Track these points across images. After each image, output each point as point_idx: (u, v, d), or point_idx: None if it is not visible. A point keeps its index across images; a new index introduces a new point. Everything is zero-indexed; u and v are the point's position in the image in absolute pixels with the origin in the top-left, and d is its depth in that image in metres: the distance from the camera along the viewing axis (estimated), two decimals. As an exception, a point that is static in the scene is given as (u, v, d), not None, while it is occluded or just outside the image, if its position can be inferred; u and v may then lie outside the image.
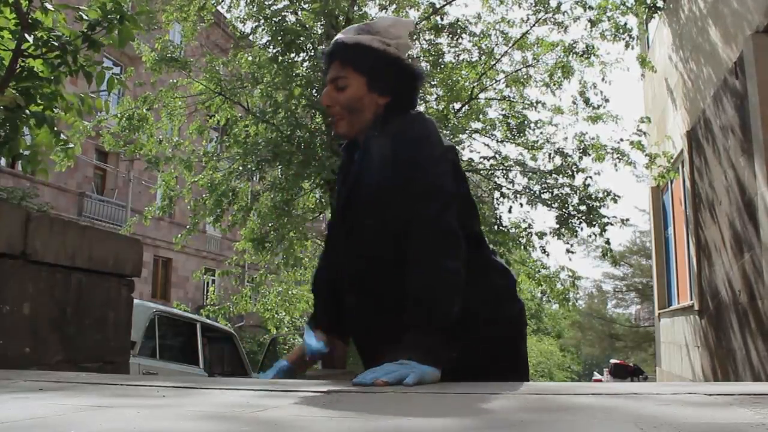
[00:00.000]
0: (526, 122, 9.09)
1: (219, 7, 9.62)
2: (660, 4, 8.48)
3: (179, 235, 9.73)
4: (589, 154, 8.76)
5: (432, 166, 1.50)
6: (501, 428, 0.82)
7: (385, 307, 1.49)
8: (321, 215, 10.49)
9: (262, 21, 8.62)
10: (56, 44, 2.81)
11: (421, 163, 1.51)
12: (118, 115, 8.90)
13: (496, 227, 8.78)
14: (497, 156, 9.20)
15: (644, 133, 8.91)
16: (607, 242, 8.79)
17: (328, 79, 1.68)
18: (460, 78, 9.01)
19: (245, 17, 9.08)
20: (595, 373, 25.39)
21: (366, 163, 1.60)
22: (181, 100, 9.12)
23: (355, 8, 8.73)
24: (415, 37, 9.06)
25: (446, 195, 1.47)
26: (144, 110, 8.85)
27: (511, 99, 9.43)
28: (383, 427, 0.83)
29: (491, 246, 1.73)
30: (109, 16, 2.85)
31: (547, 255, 9.61)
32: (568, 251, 8.83)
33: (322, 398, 1.10)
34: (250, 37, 9.40)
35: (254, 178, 9.41)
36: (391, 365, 1.29)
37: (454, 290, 1.38)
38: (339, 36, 1.70)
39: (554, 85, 9.07)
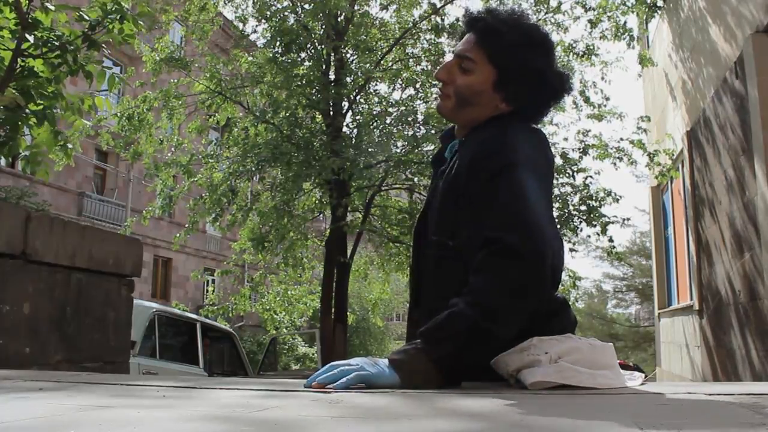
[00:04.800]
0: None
1: (220, 8, 9.63)
2: (660, 3, 8.47)
3: (178, 235, 9.72)
4: (589, 154, 8.77)
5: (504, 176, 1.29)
6: (502, 428, 0.82)
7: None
8: (321, 215, 10.50)
9: (263, 21, 8.63)
10: (56, 44, 2.82)
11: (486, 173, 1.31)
12: (118, 114, 8.90)
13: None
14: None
15: (645, 131, 8.91)
16: (611, 240, 8.79)
17: (455, 50, 1.45)
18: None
19: (246, 17, 9.09)
20: (595, 372, 25.29)
21: (447, 171, 1.44)
22: (182, 99, 9.13)
23: (356, 7, 8.73)
24: (414, 38, 9.07)
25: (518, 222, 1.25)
26: (144, 109, 8.84)
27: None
28: (384, 427, 0.83)
29: None
30: (109, 17, 2.85)
31: None
32: (571, 250, 8.85)
33: (323, 398, 1.10)
34: (251, 37, 9.41)
35: (254, 178, 9.42)
36: (345, 363, 1.22)
37: (479, 341, 1.22)
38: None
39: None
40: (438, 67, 1.50)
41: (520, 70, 1.40)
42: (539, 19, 8.82)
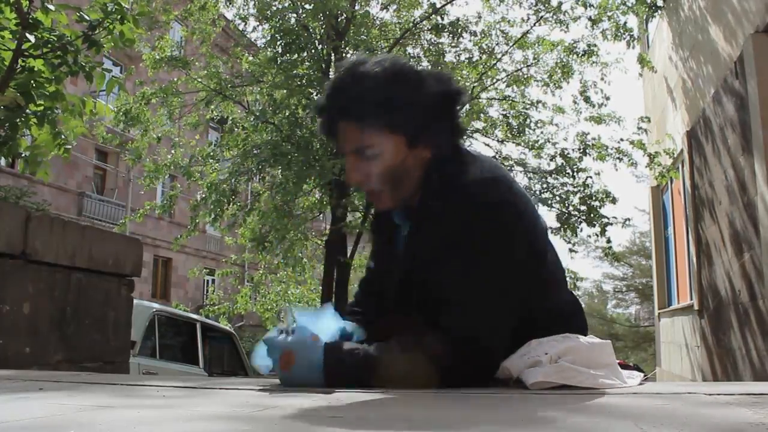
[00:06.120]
0: (527, 122, 9.10)
1: (221, 9, 9.62)
2: (660, 3, 8.47)
3: (179, 236, 9.72)
4: (589, 154, 8.77)
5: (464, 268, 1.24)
6: (502, 428, 0.82)
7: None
8: (321, 215, 10.50)
9: (264, 21, 8.63)
10: (57, 44, 2.82)
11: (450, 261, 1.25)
12: (114, 109, 8.88)
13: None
14: (498, 156, 9.21)
15: (645, 131, 8.91)
16: (608, 241, 8.79)
17: (346, 149, 1.32)
18: (460, 78, 9.01)
19: (246, 16, 9.09)
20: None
21: (418, 238, 1.33)
22: (180, 98, 9.12)
23: (357, 7, 8.73)
24: (415, 38, 9.08)
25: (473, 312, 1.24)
26: (142, 104, 8.82)
27: (512, 99, 9.43)
28: (383, 427, 0.83)
29: None
30: (110, 17, 2.86)
31: None
32: (570, 250, 8.85)
33: (324, 399, 1.10)
34: (251, 37, 9.41)
35: (255, 179, 9.42)
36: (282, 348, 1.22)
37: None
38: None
39: (554, 84, 9.07)
40: (346, 176, 1.37)
41: (413, 114, 1.28)
42: (540, 17, 8.81)
